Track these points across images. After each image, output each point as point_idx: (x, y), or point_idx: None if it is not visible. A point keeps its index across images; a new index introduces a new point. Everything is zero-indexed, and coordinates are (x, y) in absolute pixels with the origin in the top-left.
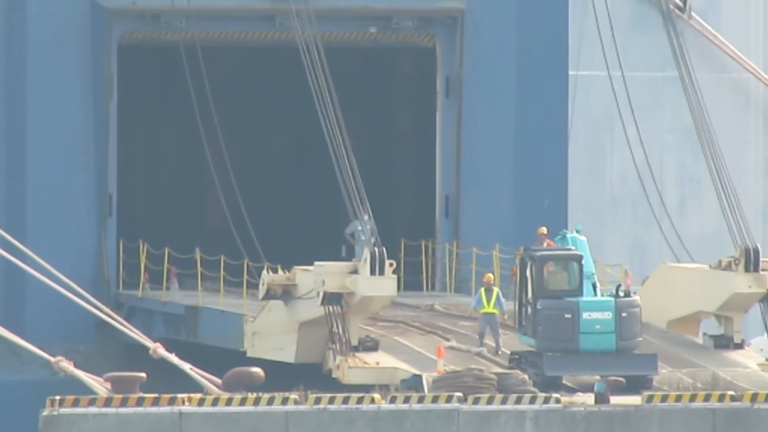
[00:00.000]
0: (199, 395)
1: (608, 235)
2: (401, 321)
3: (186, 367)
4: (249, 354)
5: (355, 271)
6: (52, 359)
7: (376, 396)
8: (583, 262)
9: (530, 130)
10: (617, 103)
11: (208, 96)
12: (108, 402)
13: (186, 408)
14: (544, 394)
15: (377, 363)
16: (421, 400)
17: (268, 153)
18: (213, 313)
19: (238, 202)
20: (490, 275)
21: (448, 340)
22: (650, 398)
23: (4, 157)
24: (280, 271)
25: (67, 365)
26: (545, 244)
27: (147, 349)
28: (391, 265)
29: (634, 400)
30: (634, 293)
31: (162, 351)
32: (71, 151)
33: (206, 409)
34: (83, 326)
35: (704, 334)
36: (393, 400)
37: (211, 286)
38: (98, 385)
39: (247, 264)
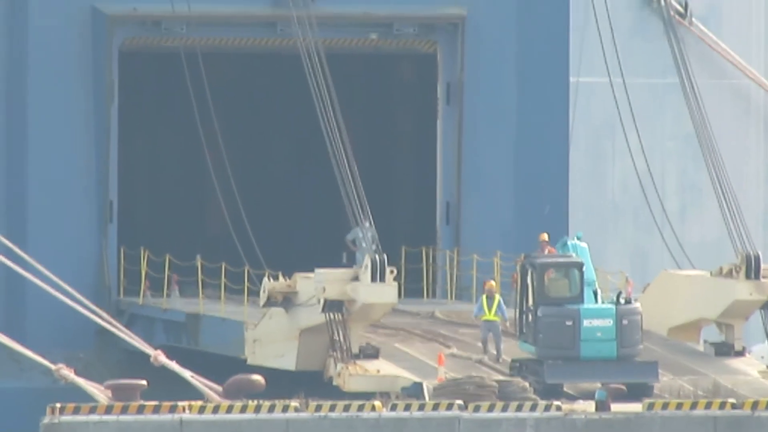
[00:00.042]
0: (199, 403)
1: (609, 242)
2: (402, 328)
3: (187, 374)
4: (250, 361)
5: (355, 278)
6: (52, 366)
7: (377, 403)
8: (584, 269)
9: (531, 136)
10: (618, 110)
11: (208, 102)
12: (109, 410)
13: (187, 416)
14: (544, 402)
15: (378, 370)
16: (421, 407)
17: (269, 159)
18: (214, 321)
19: (239, 208)
20: (492, 282)
21: (448, 347)
22: (651, 406)
23: (4, 162)
24: (280, 278)
25: (68, 372)
26: (546, 251)
27: (148, 356)
28: (391, 272)
29: (635, 407)
30: (635, 300)
31: (163, 358)
32: (72, 157)
33: (207, 416)
34: (84, 333)
35: (705, 341)
36: (394, 407)
37: (212, 293)
38: (99, 392)
39: (248, 271)
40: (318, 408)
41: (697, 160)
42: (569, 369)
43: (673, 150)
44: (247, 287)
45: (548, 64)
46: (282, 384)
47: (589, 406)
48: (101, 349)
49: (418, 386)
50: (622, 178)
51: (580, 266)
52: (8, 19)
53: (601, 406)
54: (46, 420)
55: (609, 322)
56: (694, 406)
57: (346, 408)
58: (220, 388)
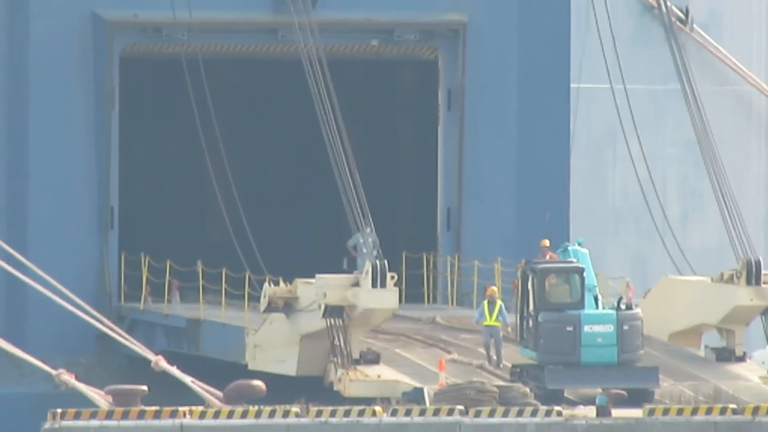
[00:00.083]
0: (200, 408)
1: (610, 248)
2: (403, 334)
3: (187, 379)
4: (250, 367)
5: (356, 284)
6: (53, 372)
7: (378, 409)
8: (584, 274)
9: (532, 142)
10: (619, 116)
11: (210, 109)
12: (109, 415)
13: (187, 421)
14: (545, 407)
15: (379, 376)
16: (422, 412)
17: (269, 165)
18: (214, 326)
19: (240, 214)
20: (494, 288)
21: (449, 352)
22: (652, 411)
23: (5, 167)
24: (281, 284)
25: (69, 378)
26: (548, 257)
27: (148, 361)
28: (392, 277)
29: (636, 413)
30: (636, 306)
31: (163, 364)
32: (73, 163)
33: (208, 422)
34: (85, 339)
35: (706, 346)
36: (394, 412)
37: (213, 298)
38: (99, 397)
39: (249, 276)
40: (319, 413)
41: (698, 166)
42: (570, 374)
43: (674, 156)
44: (248, 293)
45: (549, 70)
46: (283, 389)
47: (590, 411)
48: (102, 354)
49: (419, 391)
50: (623, 184)
51: (580, 272)
52: (9, 26)
53: (602, 412)
54: (47, 425)
55: (610, 328)
56: (694, 411)
57: (347, 413)
58: (220, 394)
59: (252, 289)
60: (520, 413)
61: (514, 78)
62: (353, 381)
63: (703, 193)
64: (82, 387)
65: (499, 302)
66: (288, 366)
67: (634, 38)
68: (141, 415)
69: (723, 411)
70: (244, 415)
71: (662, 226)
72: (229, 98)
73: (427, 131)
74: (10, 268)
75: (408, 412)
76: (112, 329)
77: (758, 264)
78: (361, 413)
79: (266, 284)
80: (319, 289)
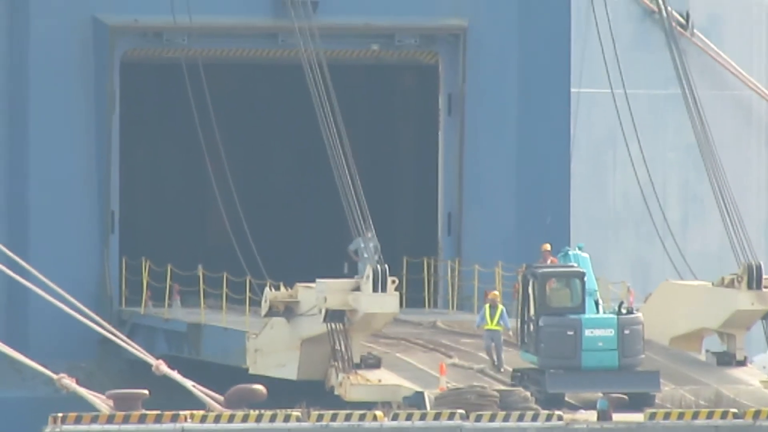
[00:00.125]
0: (201, 412)
1: (611, 252)
2: (403, 338)
3: (188, 384)
4: (251, 371)
5: (357, 288)
6: (54, 376)
7: (379, 413)
8: (585, 279)
9: (533, 147)
10: (620, 120)
11: (210, 113)
12: (110, 419)
13: (188, 425)
14: (546, 412)
15: (379, 380)
16: (423, 417)
17: (270, 170)
18: (215, 330)
19: (241, 218)
20: (496, 293)
21: (450, 357)
22: (653, 415)
23: (6, 171)
24: (282, 288)
25: (70, 382)
26: (549, 261)
27: (149, 366)
28: (393, 282)
29: (637, 417)
30: (637, 310)
31: (164, 368)
32: (73, 168)
33: (208, 426)
34: (86, 343)
35: (707, 351)
36: (395, 417)
37: (214, 303)
38: (101, 402)
39: (250, 281)
40: (319, 418)
41: (698, 170)
42: (571, 378)
43: (674, 161)
44: (249, 297)
45: (549, 74)
46: (283, 394)
47: (591, 415)
48: (103, 358)
49: (420, 396)
50: (623, 188)
51: (581, 276)
52: (10, 30)
53: (603, 416)
54: (48, 430)
55: (610, 332)
56: (695, 415)
57: (348, 418)
58: (221, 398)
59: (253, 294)
60: (520, 417)
61: (515, 82)
62: (354, 385)
63: (703, 197)
64: (83, 391)
65: (500, 306)
66: (289, 370)
67: (635, 42)
68: (142, 419)
69: (724, 415)
70: (245, 419)
71: (663, 231)
72: (229, 103)
73: (427, 136)
74: (11, 273)
75: (409, 417)
76: (113, 333)
77: (759, 268)
78: (362, 418)
79: (267, 288)
80: (319, 294)
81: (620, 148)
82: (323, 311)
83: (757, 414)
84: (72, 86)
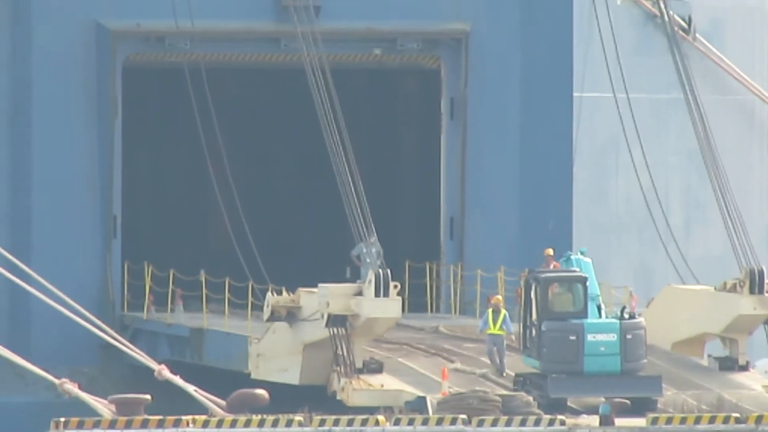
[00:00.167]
0: (203, 417)
1: (613, 257)
2: (406, 343)
3: (191, 389)
4: (253, 376)
5: (359, 293)
6: (56, 381)
7: (381, 418)
8: (587, 283)
9: (535, 151)
10: (622, 125)
11: (212, 117)
12: (112, 424)
13: (190, 430)
14: (548, 416)
15: (382, 385)
16: (425, 422)
17: (272, 174)
18: (218, 335)
19: (243, 223)
20: (499, 297)
21: (452, 361)
22: (655, 420)
23: (9, 177)
24: (284, 293)
25: (72, 387)
26: (551, 266)
27: (152, 371)
28: (395, 286)
29: (639, 422)
30: (639, 315)
31: (167, 373)
32: (76, 172)
33: (211, 431)
34: (88, 348)
35: (709, 355)
36: (397, 422)
37: (216, 307)
38: (103, 407)
39: (252, 286)
40: (322, 422)
41: (701, 175)
42: (573, 383)
43: (676, 165)
44: (251, 302)
45: (552, 79)
46: (286, 398)
47: (593, 420)
48: (105, 363)
49: (422, 400)
50: (626, 193)
51: (583, 281)
52: (12, 35)
53: (605, 421)
54: None
55: (613, 337)
56: (698, 420)
57: (350, 422)
58: (223, 403)
59: (255, 299)
60: (523, 422)
61: (517, 87)
62: (356, 390)
63: (705, 202)
64: (86, 396)
65: (503, 311)
66: (291, 375)
67: (637, 47)
68: (144, 424)
69: (726, 420)
70: (248, 424)
71: (665, 235)
72: (231, 107)
73: (429, 140)
74: (13, 278)
75: (411, 421)
76: (115, 338)
77: (761, 273)
78: (364, 422)
79: (269, 293)
80: (322, 298)
81: (622, 152)
82: (325, 316)
83: (759, 419)
84: (74, 91)
